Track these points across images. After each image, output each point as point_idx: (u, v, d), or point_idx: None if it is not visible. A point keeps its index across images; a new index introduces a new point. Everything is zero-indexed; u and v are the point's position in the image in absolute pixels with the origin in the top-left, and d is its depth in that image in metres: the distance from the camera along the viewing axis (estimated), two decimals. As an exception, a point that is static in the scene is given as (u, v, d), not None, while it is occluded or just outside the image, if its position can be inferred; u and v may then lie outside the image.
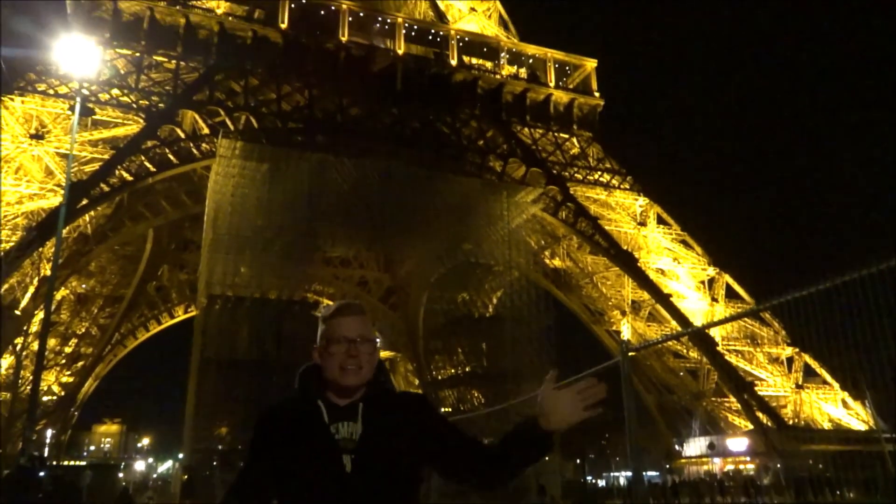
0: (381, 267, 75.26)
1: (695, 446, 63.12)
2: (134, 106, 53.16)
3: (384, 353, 76.03)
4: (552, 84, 70.17)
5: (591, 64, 72.85)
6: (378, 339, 2.30)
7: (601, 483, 67.84)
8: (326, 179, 49.23)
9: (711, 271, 65.67)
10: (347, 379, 2.20)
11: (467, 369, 58.03)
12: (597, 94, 71.74)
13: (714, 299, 64.56)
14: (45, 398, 57.00)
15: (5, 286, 43.02)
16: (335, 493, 2.06)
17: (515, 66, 71.60)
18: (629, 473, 51.31)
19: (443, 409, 52.95)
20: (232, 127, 54.85)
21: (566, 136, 69.17)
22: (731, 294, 65.37)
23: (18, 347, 39.92)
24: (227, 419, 45.70)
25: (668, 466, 66.23)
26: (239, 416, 44.03)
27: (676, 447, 65.07)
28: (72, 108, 44.71)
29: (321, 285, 72.30)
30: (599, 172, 67.64)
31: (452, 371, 61.31)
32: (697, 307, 64.18)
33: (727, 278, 65.29)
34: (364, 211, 51.29)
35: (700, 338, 58.42)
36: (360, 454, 2.11)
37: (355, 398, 2.23)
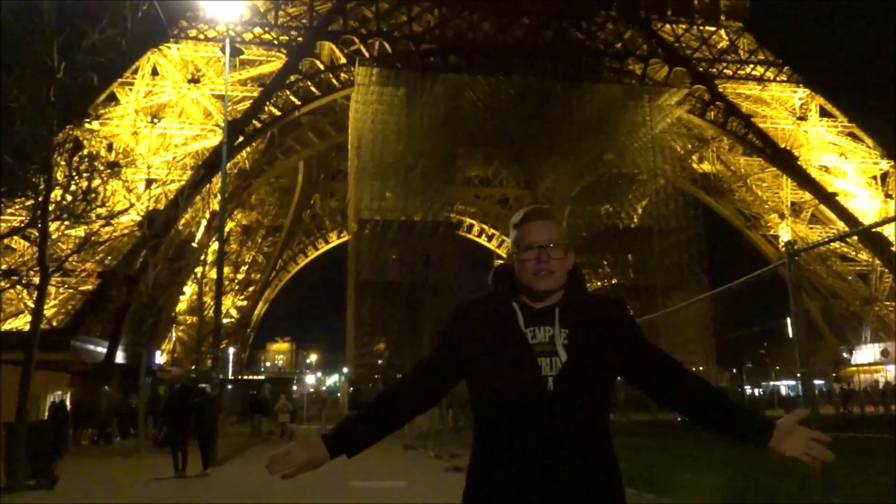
0: (521, 184, 74.97)
1: (865, 353, 59.36)
2: (275, 42, 55.44)
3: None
4: (695, -28, 64.74)
5: (739, -55, 66.24)
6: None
7: (758, 392, 65.65)
8: (462, 100, 49.25)
9: (885, 165, 59.67)
10: (540, 284, 2.16)
11: (613, 282, 57.37)
12: (747, -22, 65.46)
13: (888, 195, 58.88)
14: (225, 320, 63.36)
15: (182, 221, 47.56)
16: (532, 394, 2.06)
17: (654, -42, 66.55)
18: (791, 382, 49.37)
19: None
20: (367, 54, 55.83)
21: (713, 28, 64.04)
22: (908, 189, 59.32)
23: (199, 275, 44.33)
24: (385, 336, 48.59)
25: (835, 375, 62.94)
26: (394, 333, 46.73)
27: (844, 354, 61.54)
28: (222, 51, 47.38)
29: (463, 205, 73.44)
30: (752, 66, 62.40)
31: (598, 284, 60.82)
32: (868, 206, 58.87)
33: (904, 172, 59.17)
34: (501, 129, 51.02)
35: (871, 238, 53.79)
36: (559, 357, 2.09)
37: (550, 303, 2.19)
